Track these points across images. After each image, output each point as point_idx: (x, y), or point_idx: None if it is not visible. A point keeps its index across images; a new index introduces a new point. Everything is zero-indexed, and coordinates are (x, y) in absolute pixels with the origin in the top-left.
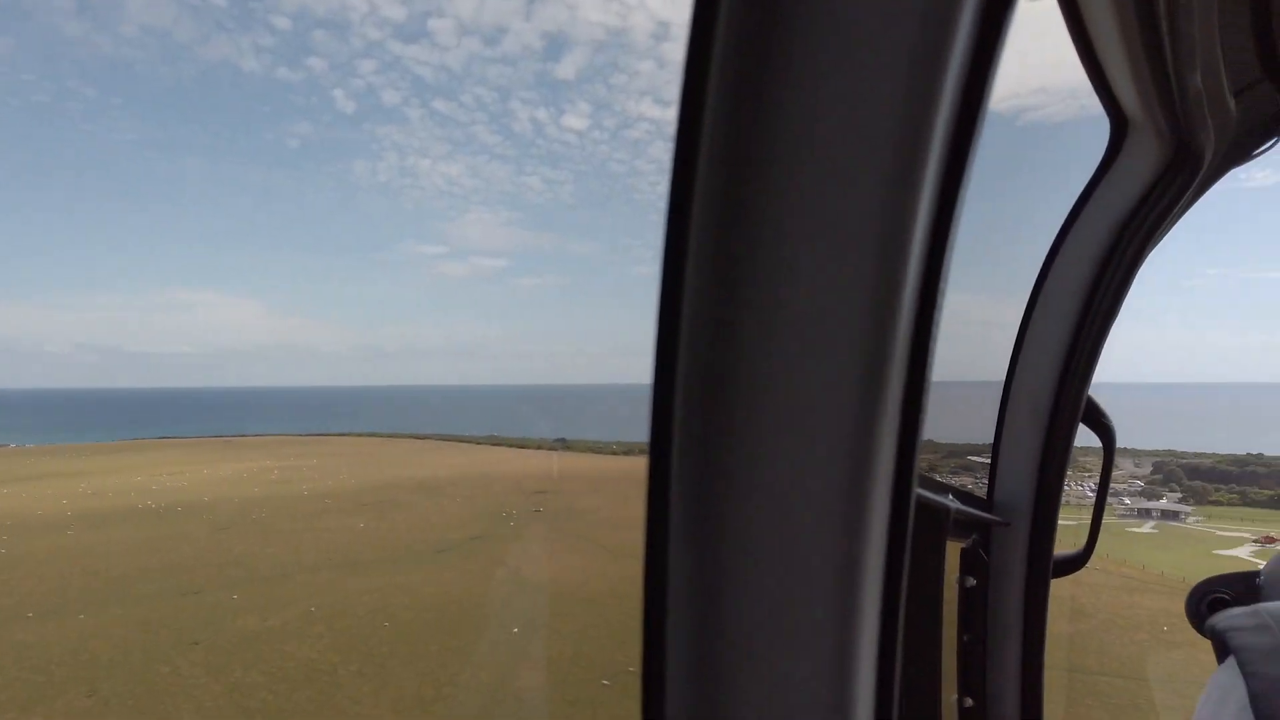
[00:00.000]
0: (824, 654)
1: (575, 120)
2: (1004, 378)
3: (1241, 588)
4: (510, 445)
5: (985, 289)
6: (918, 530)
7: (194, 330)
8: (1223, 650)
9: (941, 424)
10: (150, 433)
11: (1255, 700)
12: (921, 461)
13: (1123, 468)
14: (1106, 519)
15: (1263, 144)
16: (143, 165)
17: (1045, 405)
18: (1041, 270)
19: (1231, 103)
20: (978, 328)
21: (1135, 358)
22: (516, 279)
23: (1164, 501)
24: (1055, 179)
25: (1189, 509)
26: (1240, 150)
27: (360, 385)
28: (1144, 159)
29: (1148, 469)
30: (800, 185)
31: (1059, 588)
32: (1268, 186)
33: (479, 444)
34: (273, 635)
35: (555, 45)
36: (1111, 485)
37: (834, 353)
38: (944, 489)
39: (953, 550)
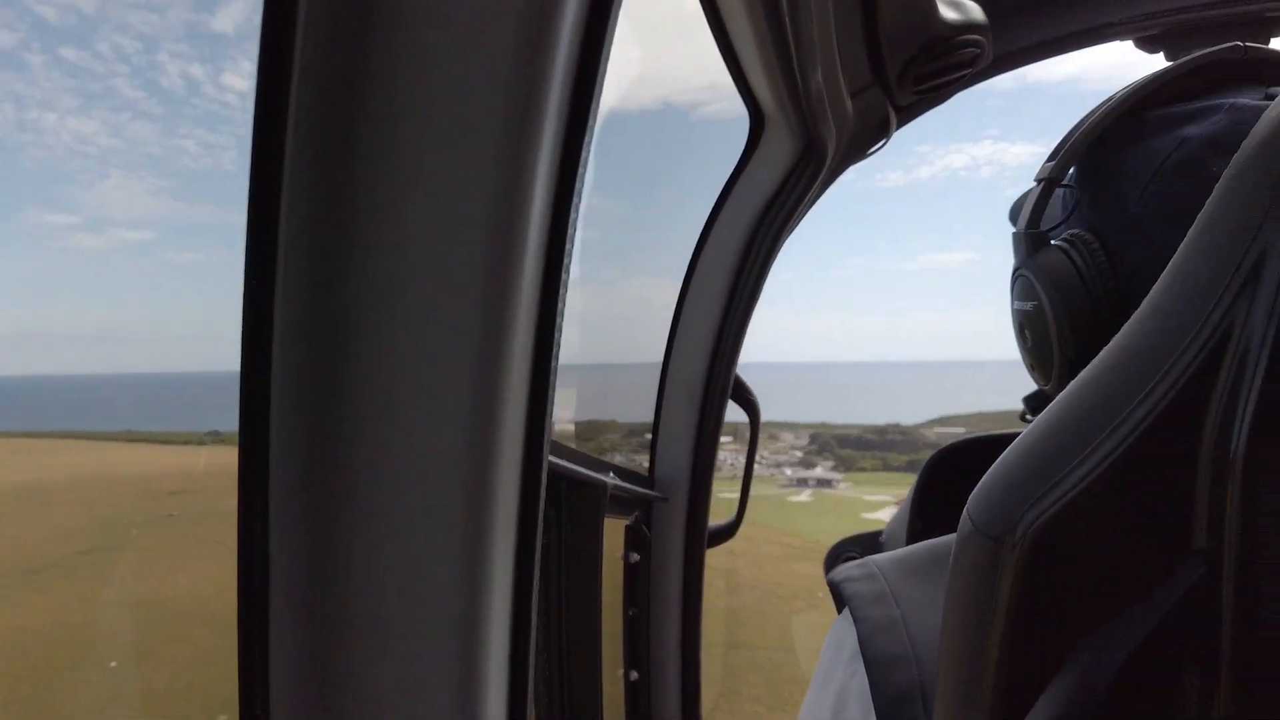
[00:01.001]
0: (450, 647)
1: (237, 80)
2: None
3: (868, 545)
4: (152, 440)
5: (675, 276)
6: (575, 509)
7: None
8: (840, 600)
9: (624, 405)
10: None
11: (863, 642)
12: (604, 441)
13: (784, 439)
14: (770, 490)
15: (875, 143)
16: None
17: (698, 384)
18: (692, 256)
19: (849, 103)
20: (668, 313)
21: (794, 339)
22: (168, 254)
23: (819, 470)
24: (722, 169)
25: (840, 476)
26: (858, 147)
27: None
28: (778, 151)
29: (806, 440)
30: (405, 173)
31: (726, 561)
32: (900, 188)
33: (112, 440)
34: None
35: None
36: (774, 457)
37: (449, 340)
38: (605, 467)
39: (621, 528)
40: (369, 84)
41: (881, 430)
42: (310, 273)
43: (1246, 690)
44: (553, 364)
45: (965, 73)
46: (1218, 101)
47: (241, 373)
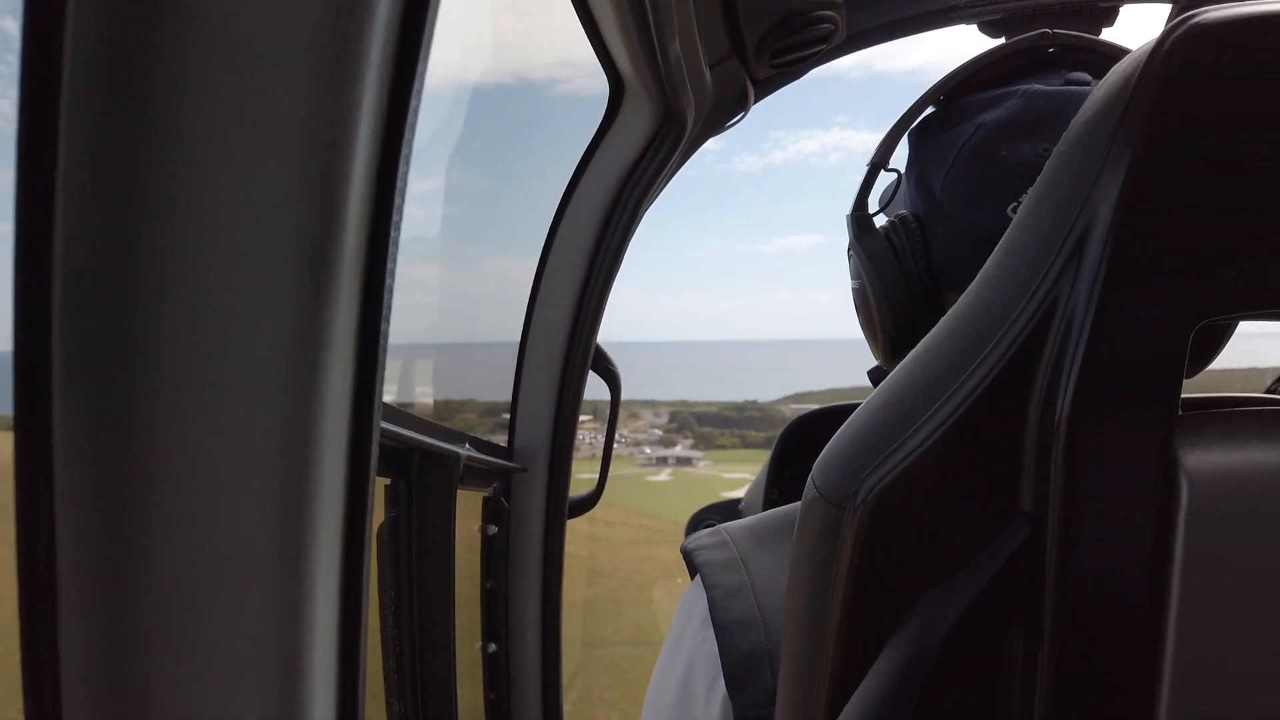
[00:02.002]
0: (267, 633)
1: None
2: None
3: (728, 513)
4: None
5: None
6: (427, 481)
7: None
8: (693, 569)
9: (489, 384)
10: None
11: (712, 607)
12: (458, 421)
13: (644, 418)
14: (629, 469)
15: (734, 115)
16: None
17: (559, 354)
18: (552, 223)
19: (707, 74)
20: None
21: (656, 318)
22: None
23: (679, 449)
24: (582, 145)
25: (699, 454)
26: (717, 118)
27: None
28: (638, 120)
29: (665, 418)
30: (203, 141)
31: (584, 547)
32: (755, 171)
33: None
34: None
35: None
36: (634, 435)
37: (255, 307)
38: (460, 438)
39: (480, 500)
40: (154, 38)
41: (740, 407)
42: (96, 234)
43: (1067, 648)
44: (382, 325)
45: (820, 48)
46: (1014, 88)
47: (15, 345)
